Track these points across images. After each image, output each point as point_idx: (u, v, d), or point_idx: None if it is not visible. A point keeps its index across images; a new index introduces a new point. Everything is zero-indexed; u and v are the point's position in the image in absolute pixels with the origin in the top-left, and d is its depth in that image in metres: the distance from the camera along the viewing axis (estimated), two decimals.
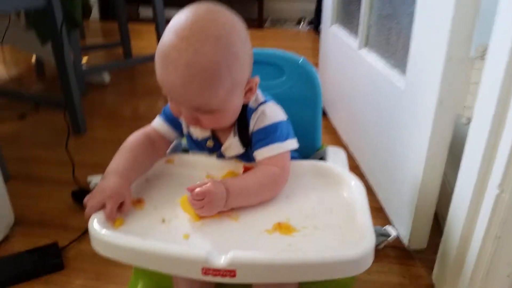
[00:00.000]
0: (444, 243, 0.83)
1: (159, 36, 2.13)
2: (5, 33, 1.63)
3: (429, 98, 0.81)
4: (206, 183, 0.59)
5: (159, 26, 2.11)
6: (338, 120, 1.58)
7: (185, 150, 0.80)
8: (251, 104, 0.68)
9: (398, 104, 0.97)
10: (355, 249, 0.53)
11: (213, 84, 0.58)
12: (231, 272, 0.50)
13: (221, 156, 0.71)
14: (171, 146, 0.77)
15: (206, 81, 0.57)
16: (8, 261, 0.93)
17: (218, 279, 0.51)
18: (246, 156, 0.70)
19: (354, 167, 1.26)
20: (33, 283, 0.90)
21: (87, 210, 0.59)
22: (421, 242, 0.95)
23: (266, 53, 0.84)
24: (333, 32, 1.58)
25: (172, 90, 0.59)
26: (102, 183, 0.61)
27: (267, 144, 0.66)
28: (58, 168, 1.32)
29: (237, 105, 0.65)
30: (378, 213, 1.09)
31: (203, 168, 0.71)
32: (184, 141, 0.80)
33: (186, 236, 0.58)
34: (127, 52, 2.39)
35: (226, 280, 0.51)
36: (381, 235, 0.92)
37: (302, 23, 3.46)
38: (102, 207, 0.59)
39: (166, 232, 0.59)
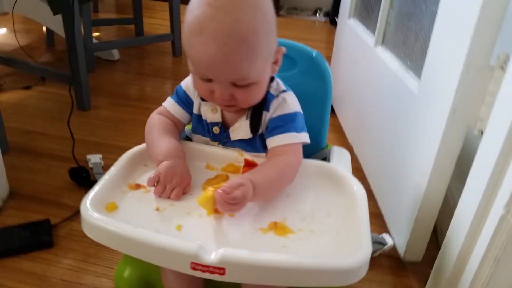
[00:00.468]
0: (441, 259, 0.80)
1: (172, 14, 2.10)
2: (15, 1, 1.60)
3: (442, 105, 0.78)
4: (239, 184, 0.57)
5: (174, 4, 2.08)
6: (345, 118, 1.55)
7: (187, 138, 0.78)
8: (272, 90, 0.68)
9: (409, 108, 0.94)
10: (350, 258, 0.51)
11: (254, 53, 0.57)
12: (220, 270, 0.49)
13: (225, 138, 0.70)
14: None
15: (247, 50, 0.56)
16: None
17: (207, 275, 0.50)
18: (250, 144, 0.69)
19: (357, 169, 1.24)
20: (20, 259, 0.89)
21: (164, 194, 0.61)
22: (417, 254, 0.93)
23: (279, 42, 0.82)
24: (349, 26, 1.54)
25: (211, 65, 0.57)
26: (168, 167, 0.62)
27: (284, 131, 0.66)
28: (58, 143, 1.31)
29: (268, 78, 0.65)
30: (377, 219, 1.07)
31: (203, 159, 0.70)
32: (187, 128, 0.78)
33: (179, 227, 0.57)
34: (139, 30, 2.37)
35: (215, 277, 0.50)
36: (377, 243, 0.90)
37: (318, 13, 3.41)
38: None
39: (159, 221, 0.58)
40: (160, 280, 0.68)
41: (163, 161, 0.63)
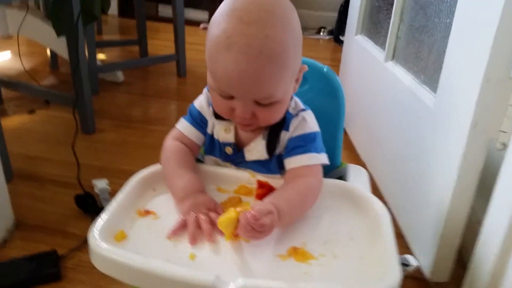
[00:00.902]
0: (471, 280, 0.76)
1: (177, 35, 2.10)
2: (21, 23, 1.61)
3: (462, 119, 0.75)
4: (268, 211, 0.53)
5: (178, 26, 2.08)
6: (356, 135, 1.52)
7: (198, 160, 0.75)
8: (291, 109, 0.66)
9: (426, 123, 0.91)
10: (380, 285, 0.48)
11: (282, 71, 0.55)
12: None
13: (239, 159, 0.67)
14: None
15: (277, 67, 0.54)
16: (3, 268, 0.89)
17: None
18: (265, 165, 0.66)
19: (372, 187, 1.20)
20: None
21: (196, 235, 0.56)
22: (444, 274, 0.88)
23: None
24: (357, 43, 1.53)
25: (238, 81, 0.55)
26: (191, 207, 0.58)
27: (305, 152, 0.63)
28: (63, 168, 1.28)
29: (290, 96, 0.63)
30: (397, 239, 1.01)
31: (214, 181, 0.68)
32: None
33: (193, 257, 0.54)
34: (143, 51, 2.37)
35: None
36: (400, 265, 0.86)
37: (322, 32, 3.44)
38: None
39: (171, 250, 0.55)
40: None
41: (182, 201, 0.60)
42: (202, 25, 3.41)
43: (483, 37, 0.69)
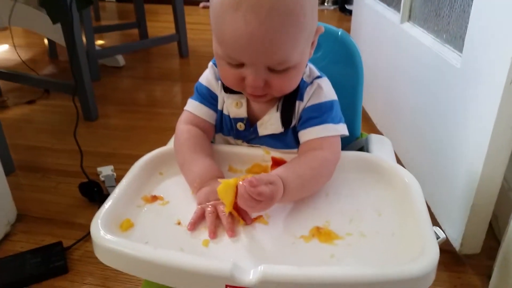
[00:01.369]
0: (506, 251, 0.72)
1: (176, 15, 2.06)
2: (10, 13, 1.56)
3: (496, 76, 0.69)
4: (269, 181, 0.48)
5: (177, 5, 2.03)
6: (371, 104, 1.47)
7: None
8: (305, 77, 0.60)
9: (452, 86, 0.86)
10: (417, 264, 0.43)
11: (298, 31, 0.50)
12: None
13: (252, 134, 0.62)
14: None
15: (292, 26, 0.49)
16: (7, 263, 0.87)
17: None
18: (281, 139, 0.61)
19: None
20: None
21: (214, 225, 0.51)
22: (475, 246, 0.85)
23: None
24: (368, 7, 1.47)
25: (248, 44, 0.49)
26: (208, 194, 0.54)
27: (320, 123, 0.58)
28: (66, 157, 1.26)
29: (306, 61, 0.58)
30: None
31: (225, 161, 0.63)
32: None
33: (206, 243, 0.49)
34: (143, 33, 2.34)
35: None
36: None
37: (326, 2, 3.37)
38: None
39: (182, 237, 0.50)
40: None
41: (199, 189, 0.55)
42: (202, 4, 3.33)
43: None
